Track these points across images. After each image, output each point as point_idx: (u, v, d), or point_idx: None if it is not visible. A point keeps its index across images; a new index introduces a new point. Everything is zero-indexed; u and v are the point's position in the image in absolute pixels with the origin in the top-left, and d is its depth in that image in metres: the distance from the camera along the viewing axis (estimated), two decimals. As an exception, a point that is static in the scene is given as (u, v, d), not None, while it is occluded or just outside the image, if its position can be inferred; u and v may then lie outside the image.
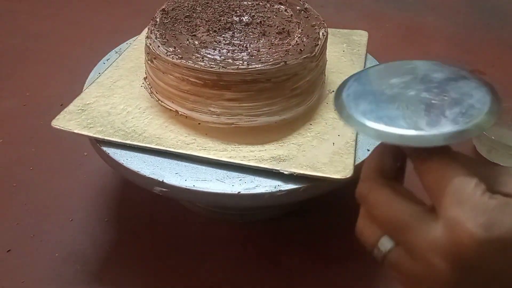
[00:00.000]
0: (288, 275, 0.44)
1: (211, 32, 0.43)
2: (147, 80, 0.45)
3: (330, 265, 0.45)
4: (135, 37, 0.55)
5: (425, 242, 0.23)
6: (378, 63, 0.32)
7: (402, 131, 0.25)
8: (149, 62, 0.43)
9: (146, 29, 0.55)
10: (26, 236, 0.47)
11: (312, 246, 0.47)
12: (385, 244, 0.26)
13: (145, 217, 0.50)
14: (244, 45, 0.41)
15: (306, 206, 0.50)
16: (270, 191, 0.36)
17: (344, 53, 0.53)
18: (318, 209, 0.50)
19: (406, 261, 0.25)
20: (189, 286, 0.43)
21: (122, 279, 0.44)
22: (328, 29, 0.45)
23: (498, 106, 0.27)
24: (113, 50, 0.53)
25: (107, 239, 0.47)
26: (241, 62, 0.39)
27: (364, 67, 0.51)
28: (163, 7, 0.47)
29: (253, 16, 0.45)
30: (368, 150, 0.39)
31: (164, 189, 0.37)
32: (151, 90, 0.44)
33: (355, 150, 0.39)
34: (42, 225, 0.48)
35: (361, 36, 0.56)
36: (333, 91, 0.46)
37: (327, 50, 0.46)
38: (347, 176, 0.36)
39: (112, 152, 0.39)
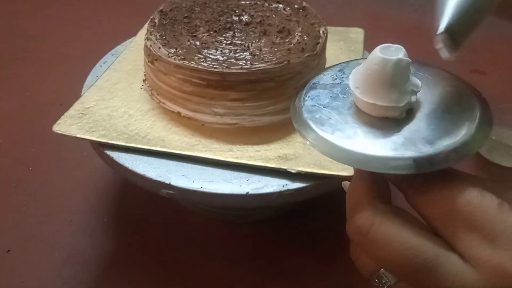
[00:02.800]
0: (288, 276, 0.44)
1: (211, 32, 0.42)
2: (147, 82, 0.45)
3: (330, 265, 0.45)
4: (130, 39, 0.55)
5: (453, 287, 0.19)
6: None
7: (390, 154, 0.21)
8: (149, 64, 0.43)
9: (142, 31, 0.55)
10: (26, 236, 0.47)
11: (312, 246, 0.47)
12: (389, 277, 0.21)
13: (144, 217, 0.49)
14: (246, 44, 0.41)
15: (306, 206, 0.50)
16: (278, 190, 0.36)
17: (342, 51, 0.53)
18: (318, 209, 0.50)
19: None
20: (189, 286, 0.43)
21: (122, 279, 0.43)
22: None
23: (489, 116, 0.23)
24: (109, 53, 0.52)
25: (107, 239, 0.47)
26: (244, 62, 0.39)
27: None
28: (161, 8, 0.46)
29: (253, 15, 0.45)
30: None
31: (172, 192, 0.37)
32: (151, 92, 0.44)
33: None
34: (42, 225, 0.48)
35: (357, 34, 0.56)
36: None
37: (325, 48, 0.46)
38: (355, 173, 0.36)
39: (116, 155, 0.39)
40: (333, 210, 0.50)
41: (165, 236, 0.47)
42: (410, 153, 0.21)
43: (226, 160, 0.38)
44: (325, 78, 0.28)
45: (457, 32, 0.23)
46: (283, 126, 0.41)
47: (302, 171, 0.37)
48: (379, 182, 0.22)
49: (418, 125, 0.23)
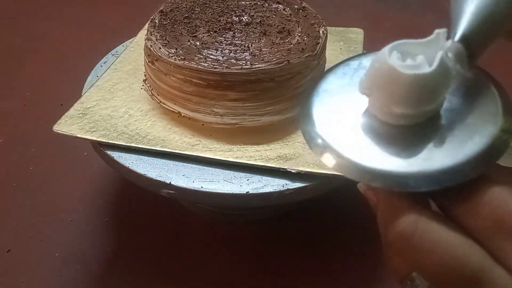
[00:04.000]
0: (288, 275, 0.44)
1: (211, 32, 0.43)
2: (147, 82, 0.45)
3: (330, 265, 0.45)
4: (131, 39, 0.55)
5: None
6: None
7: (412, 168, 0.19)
8: (149, 64, 0.43)
9: (142, 31, 0.55)
10: (26, 236, 0.47)
11: (312, 246, 0.47)
12: (422, 280, 0.19)
13: (145, 217, 0.49)
14: (246, 45, 0.41)
15: (306, 206, 0.50)
16: (278, 190, 0.36)
17: (342, 51, 0.53)
18: (318, 209, 0.50)
19: None
20: (189, 286, 0.43)
21: (122, 279, 0.44)
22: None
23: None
24: (110, 53, 0.52)
25: (107, 239, 0.47)
26: (244, 62, 0.39)
27: None
28: (161, 8, 0.47)
29: (253, 15, 0.45)
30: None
31: (172, 191, 0.37)
32: (152, 92, 0.44)
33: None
34: (42, 225, 0.48)
35: (357, 34, 0.56)
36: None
37: (325, 49, 0.46)
38: (355, 173, 0.36)
39: (117, 155, 0.39)
40: (333, 210, 0.50)
41: (165, 236, 0.47)
42: (430, 167, 0.19)
43: (226, 160, 0.38)
44: (332, 81, 0.25)
45: (474, 43, 0.19)
46: (283, 126, 0.41)
47: (302, 171, 0.37)
48: None
49: (437, 131, 0.20)
